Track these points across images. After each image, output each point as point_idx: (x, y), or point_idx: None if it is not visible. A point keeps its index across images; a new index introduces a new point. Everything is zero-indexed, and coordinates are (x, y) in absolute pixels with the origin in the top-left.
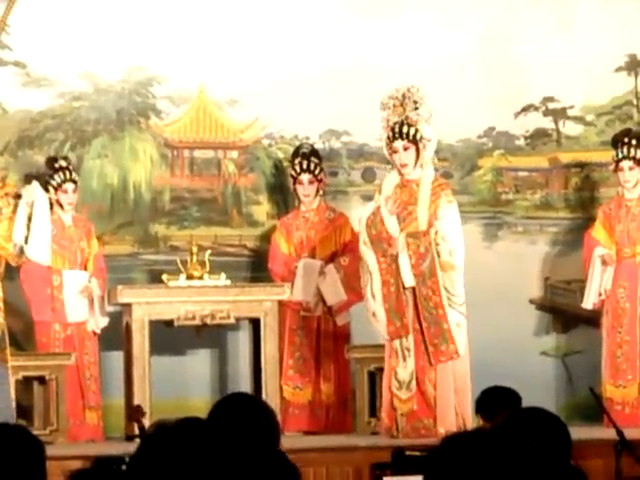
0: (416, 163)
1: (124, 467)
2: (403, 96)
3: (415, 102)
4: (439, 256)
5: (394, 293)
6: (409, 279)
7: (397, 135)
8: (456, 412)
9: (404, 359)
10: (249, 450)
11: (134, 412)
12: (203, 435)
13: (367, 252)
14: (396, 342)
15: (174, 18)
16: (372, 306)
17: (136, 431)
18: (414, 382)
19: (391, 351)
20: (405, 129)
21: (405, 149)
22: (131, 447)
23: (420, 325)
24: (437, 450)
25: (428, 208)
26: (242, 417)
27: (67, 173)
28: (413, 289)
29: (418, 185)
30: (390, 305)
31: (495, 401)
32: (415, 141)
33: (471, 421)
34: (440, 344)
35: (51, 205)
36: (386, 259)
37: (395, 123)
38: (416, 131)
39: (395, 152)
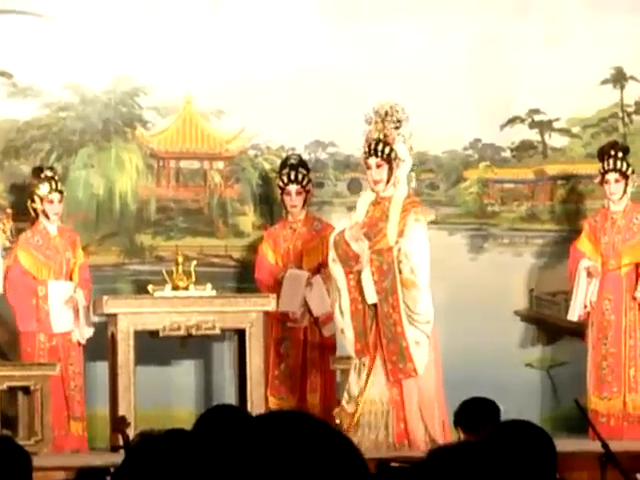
0: (388, 181)
1: (108, 478)
2: (385, 113)
3: (397, 121)
4: (401, 273)
5: (362, 310)
6: (371, 296)
7: (372, 152)
8: (425, 426)
9: (359, 374)
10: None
11: (118, 423)
12: (187, 447)
13: (336, 269)
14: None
15: (161, 29)
16: (340, 323)
17: (120, 442)
18: (362, 397)
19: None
20: (380, 147)
21: (378, 166)
22: (116, 458)
23: (381, 342)
24: (422, 464)
25: (397, 225)
26: (227, 429)
27: (53, 183)
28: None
29: (390, 202)
30: (357, 323)
31: (474, 412)
32: (389, 160)
33: (440, 435)
34: (398, 362)
35: (37, 215)
36: (354, 276)
37: (372, 140)
38: (391, 150)
39: (369, 168)
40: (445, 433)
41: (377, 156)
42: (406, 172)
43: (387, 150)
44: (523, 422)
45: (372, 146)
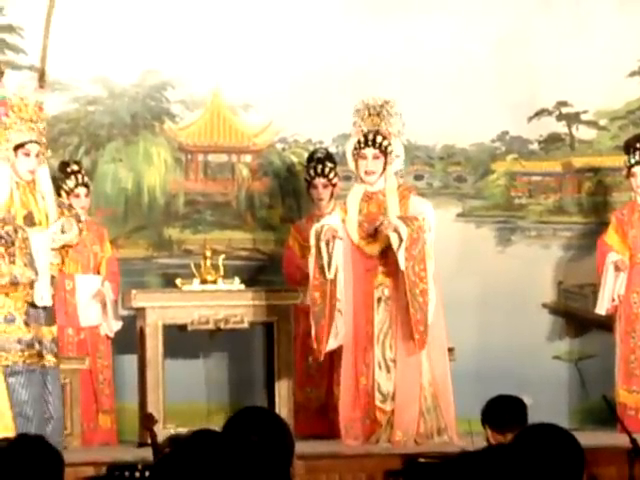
0: (381, 175)
1: (137, 474)
2: (381, 107)
3: (390, 114)
4: (425, 243)
5: (317, 313)
6: (402, 262)
7: (369, 143)
8: (438, 414)
9: (388, 370)
10: (261, 467)
11: (146, 420)
12: (216, 449)
13: (310, 261)
14: (379, 355)
15: (188, 23)
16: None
17: (148, 439)
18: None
19: (364, 364)
20: (379, 139)
21: (375, 157)
22: (145, 453)
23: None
24: (450, 467)
25: (399, 213)
26: (257, 432)
27: (79, 177)
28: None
29: (385, 195)
30: (314, 324)
31: (501, 411)
32: (385, 153)
33: (453, 426)
34: (425, 332)
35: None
36: (320, 277)
37: (369, 131)
38: (388, 144)
39: (363, 158)
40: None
41: (375, 147)
42: (397, 168)
43: (385, 143)
44: (550, 426)
45: (369, 137)
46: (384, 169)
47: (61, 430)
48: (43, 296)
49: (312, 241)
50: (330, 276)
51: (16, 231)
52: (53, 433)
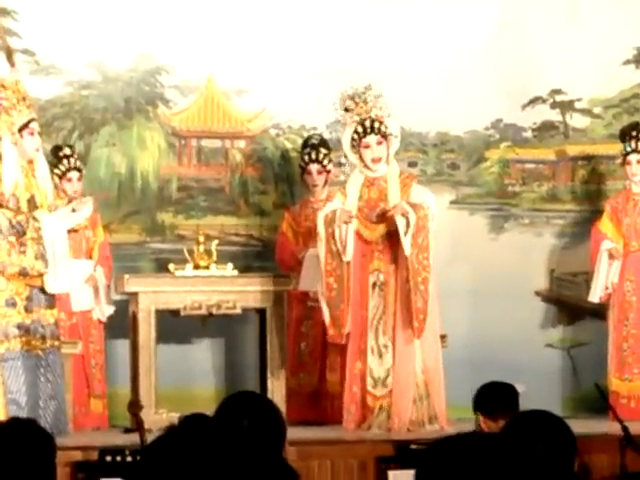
0: (387, 159)
1: (128, 458)
2: (364, 94)
3: (375, 98)
4: (429, 231)
5: (335, 299)
6: (408, 248)
7: (369, 130)
8: (429, 404)
9: (380, 356)
10: (253, 451)
11: (131, 406)
12: (207, 433)
13: (320, 248)
14: (371, 340)
15: (183, 7)
16: (322, 305)
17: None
18: (390, 379)
19: (359, 349)
20: (377, 125)
21: (379, 143)
22: (135, 437)
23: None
24: (431, 452)
25: (400, 200)
26: (249, 416)
27: (71, 161)
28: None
29: (386, 181)
30: (330, 309)
31: (493, 397)
32: (386, 136)
33: (443, 414)
34: (424, 320)
35: (57, 194)
36: (332, 262)
37: (364, 119)
38: (386, 127)
39: (367, 147)
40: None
41: (376, 133)
42: (396, 148)
43: (383, 127)
44: (542, 412)
45: (367, 124)
46: (387, 151)
47: (65, 410)
48: (58, 283)
49: (320, 228)
50: (347, 258)
51: (28, 221)
52: (57, 412)
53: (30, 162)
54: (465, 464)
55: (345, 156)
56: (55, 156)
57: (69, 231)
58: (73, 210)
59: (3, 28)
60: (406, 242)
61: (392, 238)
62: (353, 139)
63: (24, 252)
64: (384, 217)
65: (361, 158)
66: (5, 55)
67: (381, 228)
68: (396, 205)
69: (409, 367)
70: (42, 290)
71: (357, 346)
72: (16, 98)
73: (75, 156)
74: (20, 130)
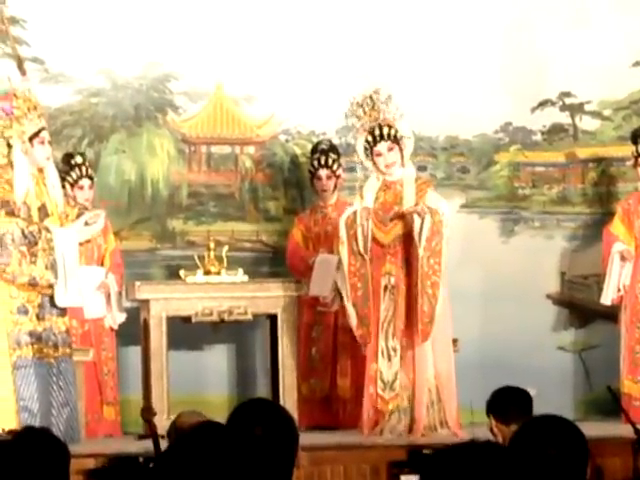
0: (402, 162)
1: (140, 466)
2: (372, 99)
3: (384, 103)
4: (443, 239)
5: (360, 298)
6: (422, 248)
7: (379, 137)
8: (441, 410)
9: (389, 359)
10: (266, 459)
11: (144, 412)
12: (220, 441)
13: (342, 252)
14: (382, 342)
15: (191, 14)
16: (347, 308)
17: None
18: (397, 382)
19: (374, 351)
20: (386, 130)
21: (390, 149)
22: (147, 445)
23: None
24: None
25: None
26: (262, 424)
27: (83, 169)
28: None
29: (402, 185)
30: (357, 309)
31: (507, 402)
32: (397, 141)
33: (454, 420)
34: (429, 323)
35: (67, 201)
36: (356, 262)
37: (373, 127)
38: (396, 131)
39: (379, 155)
40: (457, 417)
41: (386, 139)
42: (411, 149)
43: (393, 132)
44: (554, 417)
45: (377, 132)
46: (402, 156)
47: (77, 417)
48: (68, 296)
49: (342, 231)
50: (366, 256)
51: (40, 231)
52: (70, 419)
53: (40, 171)
54: (476, 471)
55: (361, 162)
56: (67, 164)
57: (81, 243)
58: (86, 223)
59: (14, 37)
60: (420, 242)
61: (404, 242)
62: (365, 148)
63: (35, 262)
64: (398, 219)
65: (376, 165)
66: (16, 64)
67: (394, 231)
68: (416, 206)
69: (422, 372)
70: (53, 298)
71: (373, 348)
72: (27, 107)
73: (87, 164)
74: (31, 139)
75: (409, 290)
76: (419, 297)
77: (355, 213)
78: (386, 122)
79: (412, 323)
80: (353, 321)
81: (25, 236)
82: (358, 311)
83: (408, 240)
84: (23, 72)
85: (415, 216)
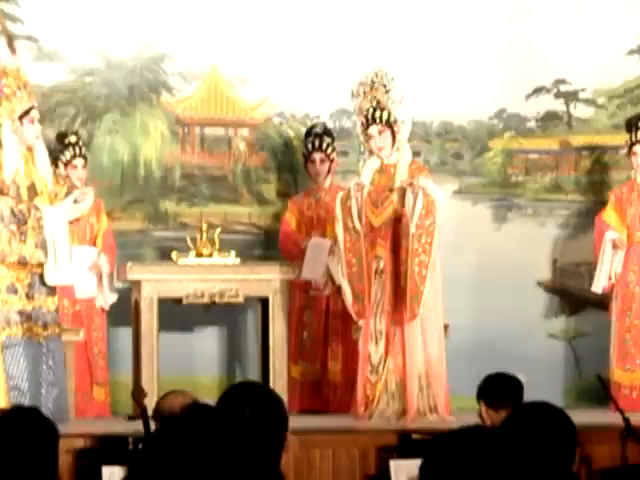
0: (393, 146)
1: (130, 447)
2: (372, 81)
3: (384, 85)
4: (436, 221)
5: (356, 274)
6: (414, 222)
7: (371, 120)
8: (430, 395)
9: (376, 342)
10: (255, 441)
11: (136, 393)
12: (209, 423)
13: (338, 228)
14: (370, 326)
15: None
16: (342, 285)
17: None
18: (382, 366)
19: (366, 335)
20: (378, 113)
21: (380, 133)
22: (137, 425)
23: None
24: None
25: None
26: (251, 406)
27: (77, 149)
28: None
29: (396, 168)
30: (353, 285)
31: (497, 388)
32: (389, 124)
33: (443, 406)
34: (413, 303)
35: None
36: (351, 237)
37: (367, 109)
38: (389, 114)
39: (371, 138)
40: (447, 403)
41: (377, 123)
42: (407, 134)
43: (385, 115)
44: (544, 404)
45: (369, 114)
46: (394, 139)
47: (66, 397)
48: (58, 274)
49: (337, 209)
50: (359, 227)
51: (29, 210)
52: (59, 399)
53: (30, 149)
54: (468, 457)
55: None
56: (60, 143)
57: (71, 221)
58: (75, 201)
59: (3, 14)
60: (413, 217)
61: (394, 226)
62: (361, 131)
63: (24, 241)
64: (389, 203)
65: (371, 148)
66: (6, 42)
67: (385, 213)
68: (411, 181)
69: (411, 356)
70: (43, 277)
71: (366, 330)
72: (17, 85)
73: (80, 143)
74: (20, 118)
75: (397, 274)
76: (407, 276)
77: (349, 189)
78: (380, 105)
79: (401, 307)
80: (349, 298)
81: (14, 215)
82: (354, 287)
83: (397, 225)
84: (13, 50)
85: (408, 191)
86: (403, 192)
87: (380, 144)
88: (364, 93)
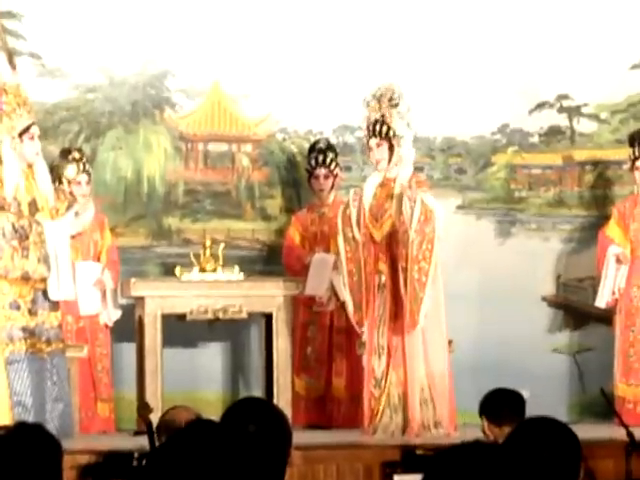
0: (390, 160)
1: (134, 463)
2: (380, 94)
3: (390, 99)
4: (435, 231)
5: (357, 283)
6: (413, 226)
7: (371, 133)
8: (434, 409)
9: (379, 357)
10: (259, 457)
11: (141, 408)
12: (214, 439)
13: (339, 240)
14: (374, 340)
15: (189, 12)
16: (344, 296)
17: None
18: (384, 380)
19: (371, 350)
20: (378, 127)
21: (378, 146)
22: (142, 441)
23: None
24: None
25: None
26: (255, 422)
27: (80, 165)
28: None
29: (395, 182)
30: (354, 295)
31: (500, 403)
32: (388, 138)
33: (448, 421)
34: (413, 310)
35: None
36: (351, 248)
37: (370, 122)
38: (388, 128)
39: (370, 150)
40: (452, 418)
41: (376, 136)
42: (409, 149)
43: (385, 129)
44: (548, 419)
45: (370, 127)
46: (391, 154)
47: (71, 413)
48: (61, 290)
49: (338, 220)
50: (358, 236)
51: (31, 225)
52: (63, 415)
53: (30, 166)
54: (469, 472)
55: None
56: (64, 159)
57: (73, 236)
58: (76, 214)
59: (4, 28)
60: (411, 223)
61: (393, 241)
62: (364, 143)
63: (27, 256)
64: (389, 217)
65: (371, 160)
66: (6, 58)
67: (384, 228)
68: (410, 187)
69: (412, 370)
70: (45, 293)
71: (371, 345)
72: (17, 102)
73: (84, 160)
74: (20, 134)
75: (397, 286)
76: (407, 282)
77: (349, 199)
78: (383, 118)
79: (401, 319)
80: (350, 308)
81: (16, 230)
82: (354, 297)
83: (396, 238)
84: (13, 66)
85: (405, 198)
86: (401, 200)
87: (377, 157)
88: (370, 105)
